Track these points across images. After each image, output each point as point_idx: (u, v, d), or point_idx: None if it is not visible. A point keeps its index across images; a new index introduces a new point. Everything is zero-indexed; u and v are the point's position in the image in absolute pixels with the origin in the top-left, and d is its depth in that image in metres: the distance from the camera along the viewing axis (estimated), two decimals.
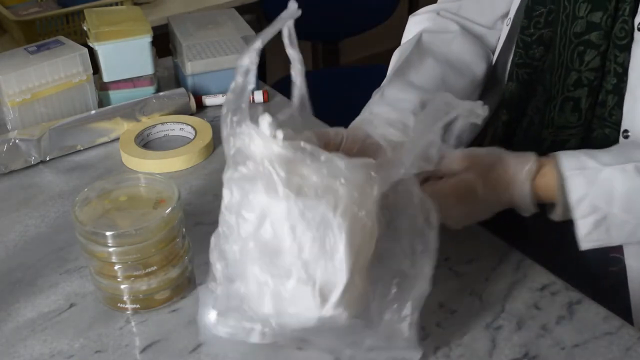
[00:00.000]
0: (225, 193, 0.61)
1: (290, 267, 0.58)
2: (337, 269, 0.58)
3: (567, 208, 0.72)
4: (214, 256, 0.65)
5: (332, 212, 0.57)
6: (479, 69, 0.95)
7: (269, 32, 0.62)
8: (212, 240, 0.65)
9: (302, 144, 0.59)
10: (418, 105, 0.82)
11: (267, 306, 0.61)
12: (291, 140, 0.59)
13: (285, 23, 0.62)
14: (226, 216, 0.62)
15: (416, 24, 1.01)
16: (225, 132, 0.62)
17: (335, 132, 0.73)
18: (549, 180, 0.72)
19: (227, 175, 0.61)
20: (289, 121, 0.64)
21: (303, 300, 0.59)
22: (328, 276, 0.58)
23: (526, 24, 0.88)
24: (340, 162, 0.58)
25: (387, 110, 0.81)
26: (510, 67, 0.92)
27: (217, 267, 0.64)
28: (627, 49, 0.79)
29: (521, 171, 0.73)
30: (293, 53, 0.65)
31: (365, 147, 0.72)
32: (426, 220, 0.62)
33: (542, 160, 0.73)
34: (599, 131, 0.83)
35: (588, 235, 0.72)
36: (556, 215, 0.74)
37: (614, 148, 0.78)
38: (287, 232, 0.58)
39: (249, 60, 0.61)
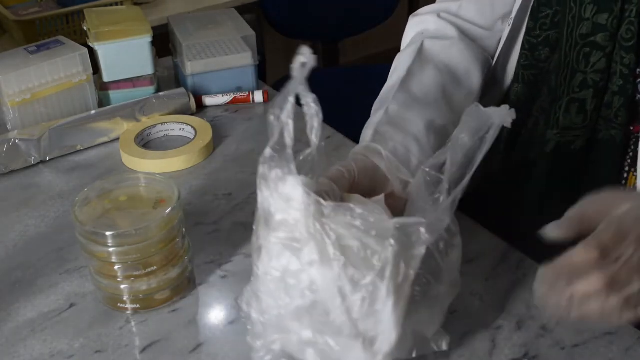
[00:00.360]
0: (267, 253, 0.61)
1: (341, 325, 0.59)
2: (386, 327, 0.59)
3: None
4: (253, 309, 0.65)
5: (381, 277, 0.58)
6: (477, 76, 0.94)
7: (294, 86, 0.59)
8: (248, 290, 0.65)
9: (352, 205, 0.59)
10: (423, 128, 0.81)
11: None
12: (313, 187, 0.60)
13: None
14: (269, 275, 0.61)
15: (416, 25, 1.01)
16: (264, 190, 0.60)
17: (348, 171, 0.70)
18: None
19: (271, 237, 0.61)
20: (306, 161, 0.63)
21: (353, 353, 0.60)
22: (377, 332, 0.60)
23: (532, 26, 0.88)
24: (389, 223, 0.59)
25: (391, 132, 0.79)
26: (516, 68, 0.92)
27: (255, 318, 0.65)
28: (633, 50, 0.79)
29: None
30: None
31: (375, 180, 0.72)
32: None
33: None
34: (605, 132, 0.83)
35: None
36: None
37: None
38: (336, 293, 0.59)
39: (286, 115, 0.58)
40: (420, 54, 0.93)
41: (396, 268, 0.59)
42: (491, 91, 0.98)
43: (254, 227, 0.63)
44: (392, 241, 0.58)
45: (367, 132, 0.80)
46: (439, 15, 0.98)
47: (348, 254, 0.58)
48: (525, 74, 0.90)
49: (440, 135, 0.82)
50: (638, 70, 0.80)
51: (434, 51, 0.94)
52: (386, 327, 0.60)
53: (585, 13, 0.81)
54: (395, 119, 0.81)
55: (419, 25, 1.00)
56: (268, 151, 0.59)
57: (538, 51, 0.88)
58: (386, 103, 0.84)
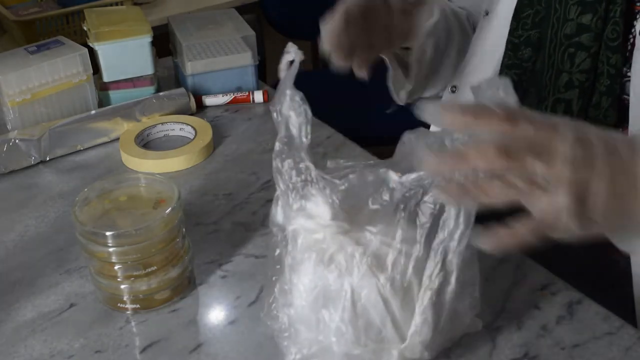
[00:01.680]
0: (297, 269, 0.62)
1: (384, 331, 0.61)
2: (423, 322, 0.62)
3: None
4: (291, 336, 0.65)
5: (418, 284, 0.61)
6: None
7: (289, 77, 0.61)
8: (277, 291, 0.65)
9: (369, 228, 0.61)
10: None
11: None
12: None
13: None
14: (305, 292, 0.63)
15: None
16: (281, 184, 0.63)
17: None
18: None
19: (298, 254, 0.62)
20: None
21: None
22: (415, 329, 0.62)
23: (515, 26, 0.89)
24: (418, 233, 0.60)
25: None
26: (500, 68, 0.92)
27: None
28: (619, 50, 0.79)
29: None
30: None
31: None
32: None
33: None
34: None
35: None
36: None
37: None
38: (378, 299, 0.60)
39: (287, 108, 0.60)
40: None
41: (422, 265, 0.61)
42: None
43: (276, 240, 0.64)
44: (418, 247, 0.60)
45: None
46: None
47: (379, 261, 0.60)
48: (509, 74, 0.90)
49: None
50: (625, 69, 0.80)
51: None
52: (423, 322, 0.61)
53: (570, 14, 0.82)
54: None
55: None
56: (277, 145, 0.60)
57: (520, 51, 0.89)
58: None
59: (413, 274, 0.61)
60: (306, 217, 0.61)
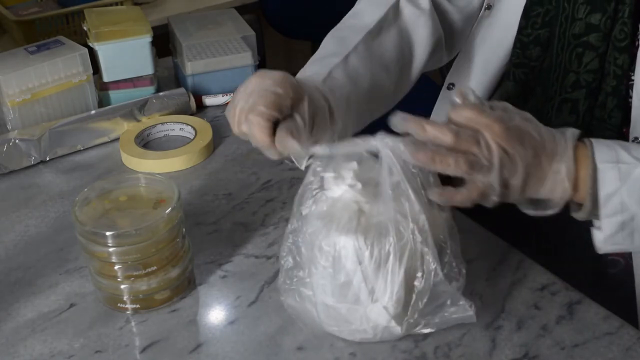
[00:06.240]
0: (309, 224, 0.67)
1: (358, 290, 0.65)
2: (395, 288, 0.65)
3: (595, 204, 0.66)
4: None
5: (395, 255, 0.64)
6: (427, 52, 0.93)
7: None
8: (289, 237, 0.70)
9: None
10: (368, 86, 0.83)
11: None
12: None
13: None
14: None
15: None
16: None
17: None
18: (581, 171, 0.66)
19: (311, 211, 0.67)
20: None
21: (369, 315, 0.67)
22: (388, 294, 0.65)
23: (524, 24, 0.88)
24: (416, 206, 0.64)
25: (344, 81, 0.81)
26: (508, 66, 0.92)
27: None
28: (626, 50, 0.79)
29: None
30: None
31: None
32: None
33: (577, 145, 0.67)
34: (599, 134, 0.83)
35: (611, 237, 0.67)
36: (582, 212, 0.67)
37: None
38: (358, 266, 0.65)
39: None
40: (395, 11, 0.92)
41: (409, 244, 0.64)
42: (461, 62, 0.98)
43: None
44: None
45: (320, 70, 0.81)
46: None
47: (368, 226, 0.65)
48: (517, 72, 0.90)
49: (380, 97, 0.86)
50: (631, 71, 0.80)
51: (404, 15, 0.93)
52: (395, 288, 0.64)
53: (578, 13, 0.81)
54: (351, 72, 0.82)
55: None
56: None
57: (529, 50, 0.88)
58: (348, 47, 0.85)
59: (394, 245, 0.64)
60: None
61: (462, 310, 0.66)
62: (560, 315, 0.72)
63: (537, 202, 0.68)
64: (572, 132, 0.67)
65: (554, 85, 0.85)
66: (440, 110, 1.00)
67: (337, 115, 0.76)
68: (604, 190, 0.65)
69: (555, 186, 0.66)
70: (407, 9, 0.93)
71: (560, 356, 0.68)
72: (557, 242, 0.88)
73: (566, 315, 0.72)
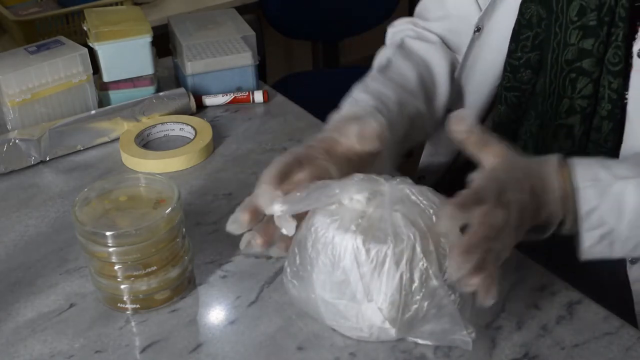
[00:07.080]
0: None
1: (355, 290, 0.65)
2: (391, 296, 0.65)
3: (575, 220, 0.70)
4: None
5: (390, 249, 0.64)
6: (449, 83, 0.94)
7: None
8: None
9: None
10: (396, 102, 0.82)
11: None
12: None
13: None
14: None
15: (395, 35, 1.01)
16: None
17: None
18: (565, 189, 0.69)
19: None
20: None
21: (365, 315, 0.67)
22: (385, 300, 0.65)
23: (513, 48, 0.87)
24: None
25: (367, 98, 0.80)
26: (499, 90, 0.91)
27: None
28: (621, 74, 0.78)
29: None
30: None
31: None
32: None
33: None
34: (595, 156, 0.83)
35: (590, 248, 0.70)
36: (563, 228, 0.70)
37: (631, 158, 0.76)
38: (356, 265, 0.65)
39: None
40: (401, 49, 0.93)
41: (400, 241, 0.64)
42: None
43: None
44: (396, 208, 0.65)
45: (346, 102, 0.82)
46: (415, 25, 0.99)
47: (369, 228, 0.65)
48: (509, 96, 0.89)
49: (410, 119, 0.84)
50: (626, 94, 0.79)
51: (414, 48, 0.94)
52: (391, 297, 0.64)
53: (571, 39, 0.80)
54: (373, 92, 0.82)
55: (398, 35, 1.00)
56: None
57: (520, 73, 0.87)
58: (365, 81, 0.85)
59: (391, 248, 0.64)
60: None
61: (459, 332, 0.66)
62: (560, 315, 0.72)
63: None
64: (556, 162, 0.69)
65: (548, 112, 0.85)
66: (437, 134, 0.99)
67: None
68: (584, 207, 0.69)
69: (550, 220, 0.69)
70: (416, 44, 0.95)
71: (560, 356, 0.68)
72: (557, 242, 0.88)
73: (566, 315, 0.72)
